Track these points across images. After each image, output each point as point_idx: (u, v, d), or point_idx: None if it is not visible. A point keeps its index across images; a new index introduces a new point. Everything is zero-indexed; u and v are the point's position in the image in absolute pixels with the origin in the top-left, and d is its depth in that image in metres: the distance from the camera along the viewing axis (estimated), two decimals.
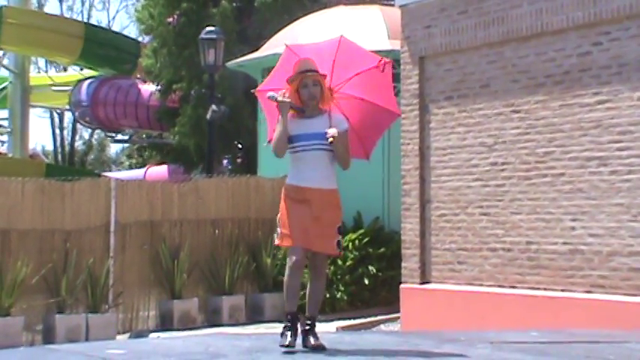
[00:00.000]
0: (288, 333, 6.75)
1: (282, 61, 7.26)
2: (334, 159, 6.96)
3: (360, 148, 7.21)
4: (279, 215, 6.95)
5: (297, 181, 6.89)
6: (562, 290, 11.65)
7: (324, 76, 6.99)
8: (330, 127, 6.85)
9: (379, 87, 7.23)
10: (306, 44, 7.55)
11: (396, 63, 15.97)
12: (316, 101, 6.94)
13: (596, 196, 11.40)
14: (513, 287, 12.26)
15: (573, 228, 11.64)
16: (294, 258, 6.79)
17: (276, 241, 6.98)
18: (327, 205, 6.91)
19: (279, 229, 6.92)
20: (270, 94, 6.90)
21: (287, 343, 6.69)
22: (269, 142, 7.25)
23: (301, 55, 7.09)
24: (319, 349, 6.80)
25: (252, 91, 7.63)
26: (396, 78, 16.22)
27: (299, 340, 6.81)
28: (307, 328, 6.89)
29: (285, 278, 6.88)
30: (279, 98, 6.85)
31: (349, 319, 15.46)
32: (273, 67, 7.39)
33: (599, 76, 11.44)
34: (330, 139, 6.77)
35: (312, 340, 6.84)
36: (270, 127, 7.27)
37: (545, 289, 11.86)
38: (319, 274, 7.00)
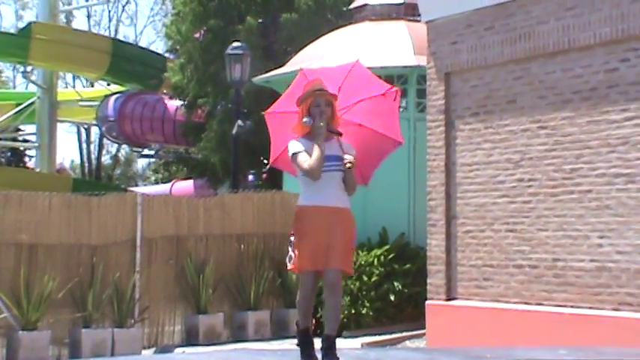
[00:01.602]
0: (303, 349, 6.81)
1: (294, 85, 7.27)
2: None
3: (358, 174, 7.16)
4: (292, 238, 6.94)
5: (315, 201, 6.87)
6: (589, 308, 11.57)
7: (335, 97, 6.97)
8: (342, 151, 6.89)
9: (382, 114, 7.20)
10: (320, 68, 7.54)
11: (422, 79, 15.99)
12: (329, 120, 6.90)
13: (624, 213, 11.32)
14: (540, 304, 12.18)
15: (600, 245, 11.57)
16: (305, 284, 6.88)
17: (289, 266, 6.97)
18: (344, 224, 6.91)
19: (291, 253, 6.91)
20: (305, 119, 6.87)
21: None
22: (272, 163, 7.26)
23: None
24: None
25: (262, 113, 7.62)
26: (421, 94, 16.32)
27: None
28: (328, 346, 6.84)
29: (298, 299, 6.97)
30: (315, 123, 6.82)
31: (374, 335, 15.41)
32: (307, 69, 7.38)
33: (627, 93, 11.38)
34: (349, 165, 6.81)
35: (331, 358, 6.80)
36: (274, 149, 7.27)
37: (572, 306, 11.78)
38: (336, 292, 6.91)
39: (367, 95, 7.19)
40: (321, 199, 6.85)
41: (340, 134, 6.88)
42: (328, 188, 6.87)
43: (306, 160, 6.83)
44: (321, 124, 6.82)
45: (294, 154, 6.91)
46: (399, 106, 7.38)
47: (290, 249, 6.92)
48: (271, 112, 7.35)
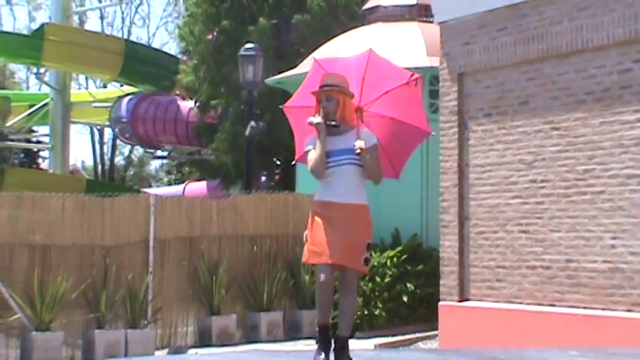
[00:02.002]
0: (319, 345, 6.77)
1: (309, 76, 7.21)
2: (364, 175, 6.91)
3: (390, 168, 7.11)
4: (306, 232, 6.91)
5: (327, 196, 6.82)
6: (602, 309, 11.54)
7: (343, 90, 6.89)
8: (356, 140, 6.79)
9: (409, 104, 7.11)
10: (335, 58, 7.49)
11: (435, 80, 15.97)
12: (332, 116, 6.86)
13: (637, 214, 11.29)
14: (552, 305, 12.16)
15: (613, 246, 11.54)
16: (322, 276, 6.72)
17: (304, 259, 6.95)
18: (357, 221, 6.83)
19: (306, 246, 6.90)
20: (308, 119, 6.86)
21: (320, 357, 6.69)
22: (298, 159, 7.24)
23: (328, 70, 7.05)
24: None
25: (280, 106, 7.60)
26: (434, 95, 16.30)
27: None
28: (341, 348, 6.83)
29: (316, 294, 6.89)
30: (314, 121, 6.82)
31: (387, 336, 15.41)
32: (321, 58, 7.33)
33: None
34: (358, 150, 6.72)
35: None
36: (298, 145, 7.24)
37: (584, 307, 11.75)
38: (350, 291, 6.89)
39: (391, 86, 7.07)
40: (332, 194, 6.81)
41: (337, 126, 6.81)
42: (338, 184, 6.80)
43: (310, 159, 6.84)
44: (315, 121, 6.78)
45: (305, 153, 6.94)
46: (422, 92, 7.29)
47: (305, 244, 6.91)
48: (290, 106, 7.31)
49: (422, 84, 7.25)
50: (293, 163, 7.73)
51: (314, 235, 6.80)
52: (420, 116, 7.17)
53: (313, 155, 6.83)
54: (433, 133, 7.24)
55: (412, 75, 7.18)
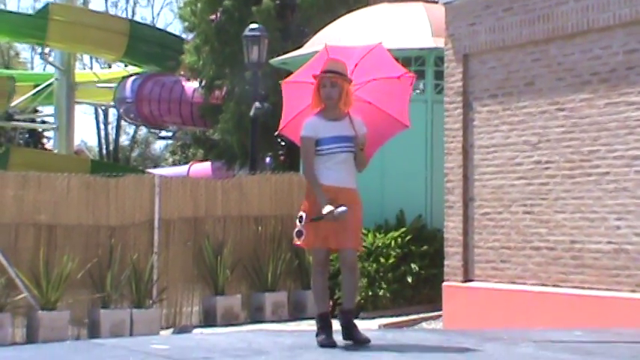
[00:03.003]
0: (324, 334, 6.83)
1: (314, 59, 7.32)
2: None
3: (398, 123, 7.22)
4: (301, 214, 7.00)
5: (325, 180, 6.94)
6: (606, 290, 11.56)
7: (346, 78, 6.97)
8: (354, 129, 6.96)
9: (393, 96, 7.25)
10: (344, 46, 7.57)
11: (440, 60, 15.95)
12: (334, 102, 6.95)
13: None
14: (557, 286, 12.19)
15: (618, 227, 11.55)
16: (317, 259, 7.04)
17: (296, 241, 7.02)
18: (355, 204, 6.99)
19: (300, 228, 6.96)
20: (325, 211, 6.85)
21: (326, 342, 6.74)
22: (280, 130, 7.38)
23: (333, 56, 7.13)
24: (364, 341, 6.84)
25: (280, 82, 7.68)
26: (439, 76, 16.28)
27: (339, 337, 6.84)
28: (347, 321, 6.92)
29: (312, 280, 7.13)
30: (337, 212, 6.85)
31: (391, 316, 15.44)
32: (286, 79, 7.47)
33: None
34: (361, 147, 6.94)
35: (354, 334, 6.88)
36: (284, 115, 7.37)
37: (589, 288, 11.78)
38: (352, 269, 7.03)
39: (381, 75, 7.24)
40: (330, 178, 6.93)
41: (320, 218, 6.88)
42: (339, 169, 6.97)
43: (307, 157, 6.95)
44: (324, 212, 6.81)
45: (303, 138, 7.02)
46: (412, 91, 7.39)
47: (299, 225, 6.97)
48: (288, 81, 7.42)
49: (412, 83, 7.36)
50: (276, 133, 7.82)
51: (308, 218, 6.89)
52: (402, 109, 7.30)
53: (311, 149, 6.95)
54: (410, 126, 7.30)
55: (407, 72, 7.32)
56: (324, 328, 6.83)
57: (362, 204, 7.09)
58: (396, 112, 7.26)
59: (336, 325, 6.98)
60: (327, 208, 6.76)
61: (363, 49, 7.31)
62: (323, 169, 6.96)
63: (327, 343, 6.75)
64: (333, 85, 6.94)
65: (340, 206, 6.74)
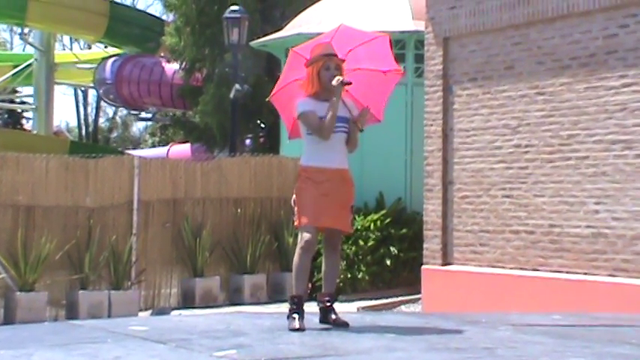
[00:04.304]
0: (296, 316, 6.74)
1: (288, 65, 7.31)
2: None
3: (370, 116, 7.20)
4: (294, 197, 6.96)
5: (321, 162, 6.88)
6: (585, 274, 11.62)
7: (344, 61, 6.99)
8: (348, 110, 6.91)
9: (371, 88, 7.23)
10: (354, 28, 7.51)
11: (420, 44, 15.94)
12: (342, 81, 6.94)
13: (621, 180, 11.35)
14: (535, 270, 12.24)
15: (597, 211, 11.60)
16: (307, 236, 6.78)
17: (297, 222, 6.97)
18: (347, 184, 6.97)
19: (296, 210, 6.94)
20: (337, 79, 6.82)
21: (297, 326, 6.66)
22: (271, 97, 7.31)
23: (305, 52, 7.10)
24: (342, 325, 6.82)
25: (267, 99, 7.62)
26: (419, 59, 16.28)
27: (315, 320, 6.83)
28: (327, 304, 6.90)
29: (296, 259, 6.84)
30: (344, 80, 6.82)
31: (370, 299, 15.49)
32: (295, 46, 7.41)
33: (625, 59, 11.36)
34: (361, 128, 6.89)
35: (333, 317, 6.87)
36: (287, 122, 7.30)
37: (567, 272, 11.84)
38: (336, 251, 7.04)
39: (368, 67, 7.24)
40: (326, 160, 6.89)
41: (350, 83, 6.88)
42: (333, 150, 6.92)
43: (313, 125, 6.84)
44: (345, 81, 6.81)
45: (303, 113, 6.91)
46: (394, 87, 7.39)
47: (295, 209, 6.94)
48: (274, 94, 7.34)
49: (398, 81, 7.38)
50: (288, 142, 7.75)
51: (305, 199, 6.84)
52: (379, 103, 7.28)
53: (317, 117, 6.84)
54: (403, 70, 7.30)
55: (397, 69, 7.28)
56: (298, 311, 6.78)
57: (354, 186, 7.05)
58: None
59: (312, 307, 6.96)
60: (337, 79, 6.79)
61: (366, 36, 7.30)
62: (316, 149, 6.92)
63: (299, 327, 6.70)
64: (337, 67, 6.91)
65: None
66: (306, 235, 6.79)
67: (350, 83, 6.88)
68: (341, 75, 6.90)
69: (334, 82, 6.82)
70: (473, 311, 11.11)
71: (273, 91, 7.36)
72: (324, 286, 7.00)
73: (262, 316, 8.11)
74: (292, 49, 7.36)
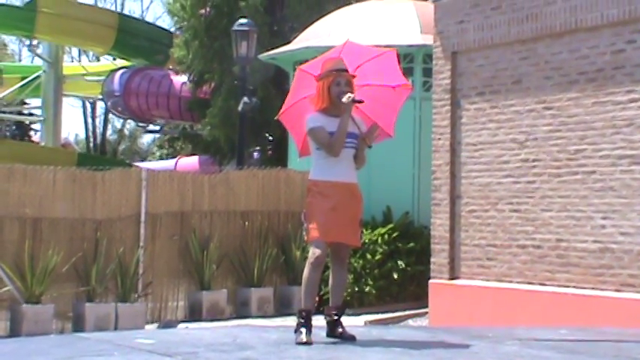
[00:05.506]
0: (304, 330, 6.76)
1: (295, 83, 7.35)
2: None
3: (381, 131, 7.21)
4: (305, 211, 6.97)
5: (331, 176, 6.90)
6: (592, 289, 11.60)
7: (354, 76, 7.00)
8: (357, 127, 6.94)
9: (380, 103, 7.25)
10: (361, 45, 7.52)
11: (428, 58, 15.95)
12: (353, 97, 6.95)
13: (627, 195, 11.34)
14: (542, 285, 12.22)
15: (604, 226, 11.58)
16: (318, 252, 6.80)
17: (307, 237, 6.98)
18: (356, 199, 7.00)
19: (306, 225, 6.94)
20: (347, 96, 6.84)
21: (304, 340, 6.67)
22: (279, 116, 7.32)
23: (312, 70, 7.11)
24: (349, 338, 6.83)
25: (275, 118, 7.64)
26: (428, 73, 16.29)
27: (323, 334, 6.83)
28: (335, 318, 6.91)
29: (306, 273, 6.86)
30: (354, 98, 6.84)
31: (377, 313, 15.47)
32: (304, 61, 7.43)
33: (633, 74, 11.36)
34: (369, 144, 6.93)
35: (340, 330, 6.87)
36: (297, 141, 7.33)
37: (574, 287, 11.81)
38: (344, 266, 7.07)
39: (377, 82, 7.26)
40: (335, 174, 6.91)
41: (362, 102, 6.89)
42: (342, 164, 6.94)
43: (323, 141, 6.86)
44: (349, 99, 6.82)
45: (313, 130, 6.92)
46: (403, 103, 7.40)
47: (305, 224, 6.94)
48: (283, 112, 7.35)
49: (408, 95, 7.40)
50: (299, 160, 7.76)
51: (315, 214, 6.84)
52: (389, 118, 7.28)
53: (326, 132, 6.86)
54: (393, 136, 7.30)
55: (406, 84, 7.31)
56: (306, 325, 6.79)
57: (363, 200, 7.08)
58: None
59: (319, 321, 6.96)
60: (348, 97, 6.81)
61: (373, 52, 7.32)
62: (325, 164, 6.93)
63: (306, 341, 6.70)
64: (347, 83, 6.93)
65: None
66: (317, 251, 6.79)
67: (362, 101, 6.89)
68: (351, 91, 6.91)
69: (345, 100, 6.83)
70: (480, 325, 11.10)
71: (282, 110, 7.37)
72: (332, 300, 7.02)
73: (269, 330, 8.12)
74: (299, 68, 7.38)
